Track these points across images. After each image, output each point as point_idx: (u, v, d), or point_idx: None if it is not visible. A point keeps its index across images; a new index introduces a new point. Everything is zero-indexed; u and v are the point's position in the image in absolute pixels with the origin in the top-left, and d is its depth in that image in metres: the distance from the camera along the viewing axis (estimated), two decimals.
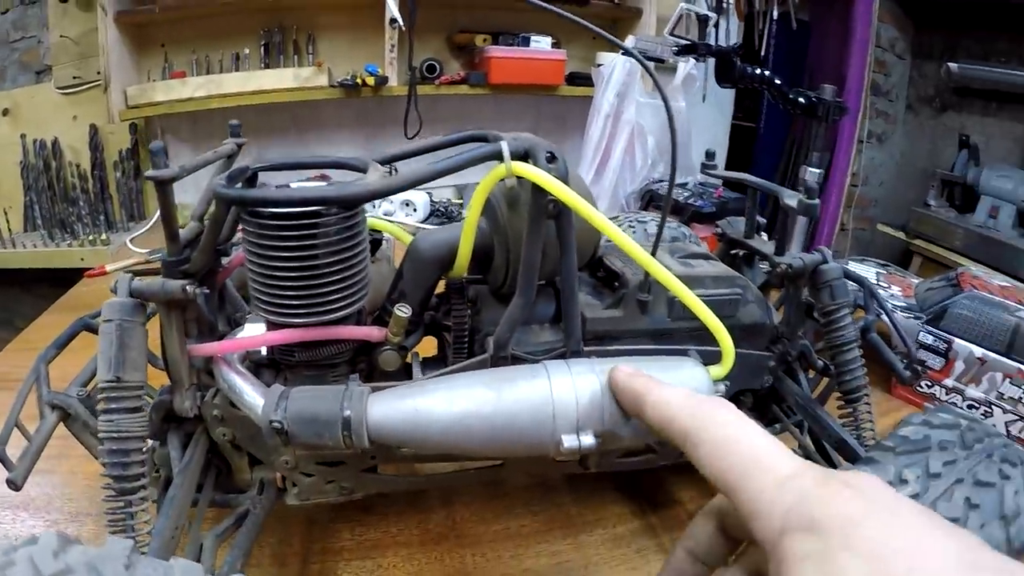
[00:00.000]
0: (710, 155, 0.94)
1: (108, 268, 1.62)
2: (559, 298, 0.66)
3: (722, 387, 0.63)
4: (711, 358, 0.65)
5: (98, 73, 1.89)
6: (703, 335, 0.66)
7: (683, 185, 2.03)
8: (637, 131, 1.91)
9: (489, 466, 0.75)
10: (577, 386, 0.55)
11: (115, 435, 0.54)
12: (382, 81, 1.95)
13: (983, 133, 2.79)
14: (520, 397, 0.53)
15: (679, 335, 0.70)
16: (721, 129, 2.72)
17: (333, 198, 0.51)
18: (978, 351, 1.04)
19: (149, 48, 1.99)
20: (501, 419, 0.52)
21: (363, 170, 0.57)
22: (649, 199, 1.89)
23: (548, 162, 0.55)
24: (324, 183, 0.60)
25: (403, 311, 0.59)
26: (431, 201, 2.02)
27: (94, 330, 0.73)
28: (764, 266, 0.87)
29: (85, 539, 0.75)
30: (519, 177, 0.55)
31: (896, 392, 1.16)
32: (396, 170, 0.55)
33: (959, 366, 1.06)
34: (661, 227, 0.65)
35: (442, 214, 2.02)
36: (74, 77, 1.99)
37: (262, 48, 2.02)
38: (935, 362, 1.10)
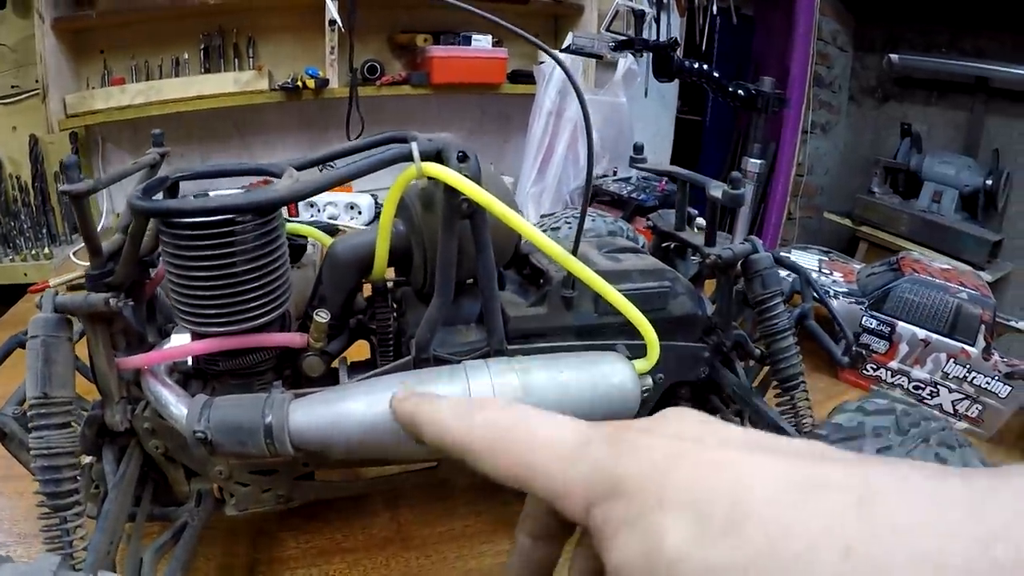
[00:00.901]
0: (638, 148, 0.95)
1: (52, 283, 1.59)
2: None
3: (649, 380, 0.66)
4: (640, 352, 0.67)
5: (36, 81, 1.85)
6: (632, 330, 0.67)
7: (626, 180, 2.06)
8: (579, 127, 1.92)
9: (425, 467, 0.75)
10: (495, 385, 0.56)
11: (46, 452, 0.54)
12: (323, 83, 1.94)
13: (925, 122, 2.87)
14: None
15: (607, 331, 0.71)
16: (665, 123, 2.76)
17: (242, 206, 0.52)
18: (921, 333, 1.06)
19: (88, 55, 1.95)
20: None
21: (278, 176, 0.58)
22: (593, 194, 1.91)
23: (459, 161, 0.56)
24: (242, 190, 0.60)
25: (322, 316, 0.60)
26: (376, 203, 2.01)
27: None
28: (696, 258, 0.87)
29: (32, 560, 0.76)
30: (431, 178, 0.56)
31: (843, 377, 1.18)
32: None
33: (903, 348, 1.09)
34: (581, 222, 0.66)
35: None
36: (12, 86, 1.94)
37: (202, 52, 2.00)
38: (879, 345, 1.12)
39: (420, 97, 2.15)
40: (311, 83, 1.92)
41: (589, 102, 1.70)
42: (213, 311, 0.56)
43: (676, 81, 2.63)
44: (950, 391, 1.06)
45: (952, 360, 1.04)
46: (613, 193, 2.00)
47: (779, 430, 0.71)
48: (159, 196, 0.59)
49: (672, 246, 0.92)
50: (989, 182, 2.41)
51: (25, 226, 1.88)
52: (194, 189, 0.61)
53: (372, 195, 2.01)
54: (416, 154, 0.55)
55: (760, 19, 3.28)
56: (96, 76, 1.96)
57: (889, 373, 1.11)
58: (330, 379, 0.66)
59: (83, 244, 1.55)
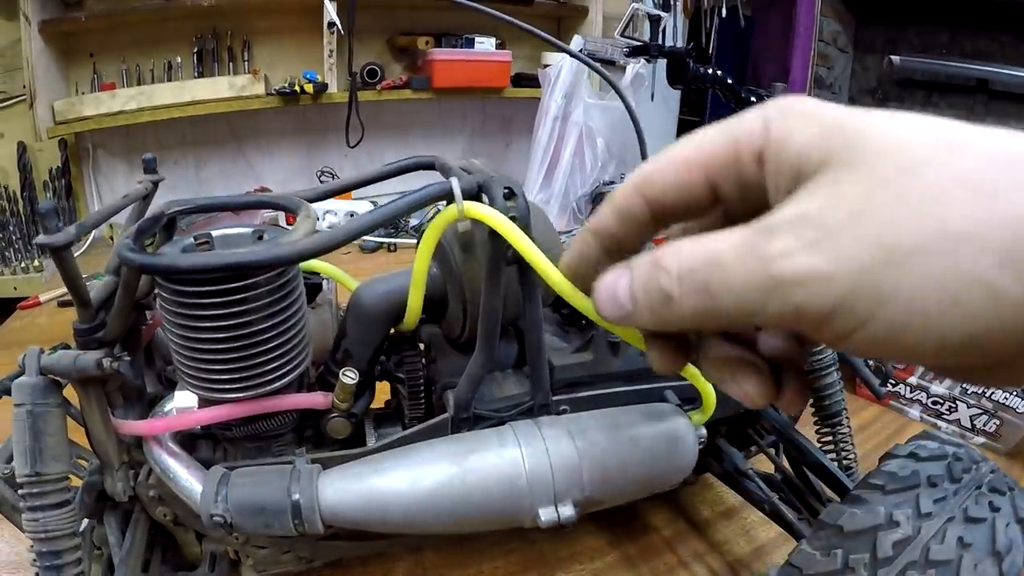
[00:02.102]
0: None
1: (42, 298, 1.52)
2: (521, 339, 0.61)
3: (704, 431, 0.60)
4: (687, 392, 0.62)
5: (24, 87, 1.78)
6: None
7: None
8: (586, 133, 1.87)
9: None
10: (551, 453, 0.51)
11: (43, 535, 0.48)
12: (321, 88, 1.88)
13: None
14: (489, 471, 0.49)
15: (652, 374, 0.65)
16: (669, 126, 2.72)
17: (259, 262, 0.44)
18: None
19: (77, 59, 1.88)
20: (470, 497, 0.48)
21: (293, 211, 0.51)
22: (600, 202, 1.86)
23: (506, 199, 0.49)
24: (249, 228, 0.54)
25: (349, 377, 0.53)
26: None
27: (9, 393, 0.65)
28: None
29: None
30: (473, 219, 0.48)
31: (860, 391, 1.15)
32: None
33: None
34: None
35: (388, 225, 1.94)
36: None
37: (195, 56, 1.93)
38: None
39: (421, 101, 2.10)
40: (309, 87, 1.86)
41: (595, 108, 1.65)
42: (226, 376, 0.49)
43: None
44: (968, 406, 1.04)
45: None
46: None
47: (821, 467, 0.68)
48: (155, 237, 0.53)
49: None
50: None
51: (14, 237, 1.81)
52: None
53: (372, 202, 1.95)
54: (458, 193, 0.47)
55: (758, 20, 3.24)
56: (86, 81, 1.89)
57: (908, 389, 1.10)
58: (355, 437, 0.60)
59: (75, 256, 1.47)
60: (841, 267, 0.22)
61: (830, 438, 0.74)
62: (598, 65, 0.58)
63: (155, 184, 0.62)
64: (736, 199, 0.29)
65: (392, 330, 0.60)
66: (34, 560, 0.49)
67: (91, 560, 0.59)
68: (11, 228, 1.82)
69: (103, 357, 0.49)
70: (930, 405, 1.07)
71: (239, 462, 0.53)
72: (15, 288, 1.72)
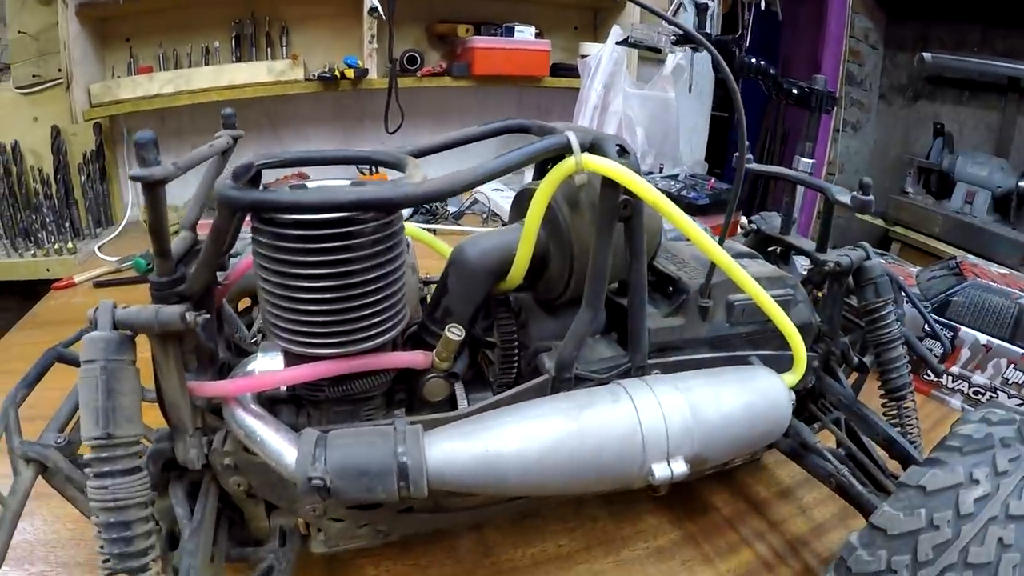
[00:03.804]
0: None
1: (77, 279, 1.51)
2: (611, 306, 0.59)
3: (793, 395, 0.60)
4: (768, 361, 0.63)
5: (59, 71, 1.75)
6: (759, 340, 0.65)
7: (674, 177, 1.99)
8: (625, 122, 1.84)
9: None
10: (664, 409, 0.50)
11: (111, 505, 0.44)
12: (362, 73, 1.85)
13: (956, 121, 2.81)
14: (604, 427, 0.48)
15: (736, 341, 0.66)
16: (702, 119, 2.69)
17: (381, 201, 0.41)
18: (983, 338, 1.05)
19: (113, 42, 1.85)
20: (586, 454, 0.47)
21: (397, 166, 0.48)
22: None
23: (619, 155, 0.48)
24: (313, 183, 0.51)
25: (455, 333, 0.50)
26: None
27: (68, 361, 0.63)
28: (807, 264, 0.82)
29: None
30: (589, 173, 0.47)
31: None
32: None
33: (965, 353, 1.07)
34: (724, 230, 0.61)
35: (427, 210, 1.92)
36: (34, 76, 1.84)
37: (233, 40, 1.90)
38: (940, 351, 1.09)
39: (459, 89, 2.06)
40: (350, 73, 1.82)
41: (634, 97, 1.62)
42: (326, 329, 0.46)
43: (711, 77, 2.58)
44: (1009, 396, 1.04)
45: (1013, 366, 1.03)
46: (662, 191, 1.90)
47: (891, 441, 0.68)
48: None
49: (777, 250, 0.87)
50: (1022, 184, 2.37)
51: (47, 219, 1.79)
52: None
53: None
54: (576, 146, 0.47)
55: (788, 14, 3.22)
56: (122, 65, 1.86)
57: (950, 379, 1.09)
58: (446, 401, 0.57)
59: (107, 238, 1.44)
60: None
61: (895, 412, 0.74)
62: (712, 48, 0.56)
63: (235, 139, 0.59)
64: None
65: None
66: (98, 532, 0.45)
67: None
68: (44, 211, 1.80)
69: (187, 311, 0.45)
70: (971, 395, 1.08)
71: (327, 427, 0.49)
72: (48, 270, 1.70)
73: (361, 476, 0.42)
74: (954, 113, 2.85)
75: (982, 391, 1.06)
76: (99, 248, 1.71)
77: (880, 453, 0.72)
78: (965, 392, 1.08)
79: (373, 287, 0.46)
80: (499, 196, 1.88)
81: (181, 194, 1.74)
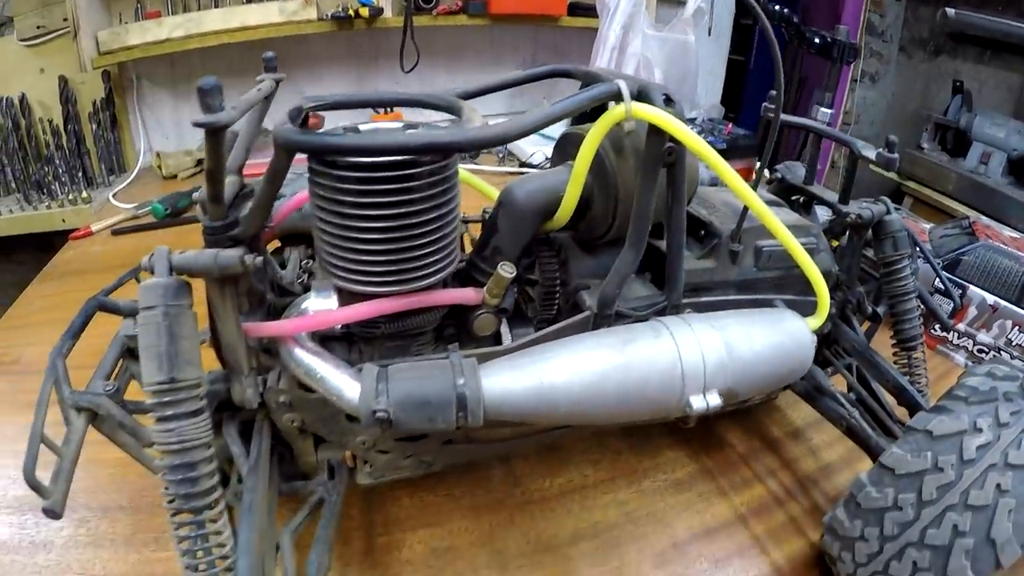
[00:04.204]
0: (771, 98, 0.90)
1: (94, 228, 1.52)
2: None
3: (815, 337, 0.62)
4: (791, 306, 0.65)
5: (64, 20, 1.73)
6: (783, 284, 0.67)
7: (691, 121, 1.97)
8: (643, 64, 1.81)
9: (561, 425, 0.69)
10: (702, 344, 0.52)
11: (177, 446, 0.45)
12: (376, 12, 1.81)
13: (976, 80, 2.75)
14: (648, 359, 0.50)
15: (762, 285, 0.68)
16: (719, 62, 2.64)
17: (449, 143, 0.43)
18: (991, 298, 1.06)
19: None
20: (632, 385, 0.49)
21: (451, 110, 0.49)
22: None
23: (665, 104, 0.50)
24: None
25: (507, 271, 0.52)
26: None
27: (109, 309, 0.63)
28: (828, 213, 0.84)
29: (119, 536, 0.71)
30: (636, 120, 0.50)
31: None
32: None
33: (972, 312, 1.09)
34: (759, 174, 0.63)
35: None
36: (38, 27, 1.80)
37: None
38: (949, 307, 1.11)
39: (473, 29, 2.03)
40: (364, 12, 1.79)
41: (653, 39, 1.60)
42: (385, 268, 0.47)
43: (730, 20, 2.54)
44: (1011, 357, 1.05)
45: (1017, 328, 1.05)
46: None
47: (901, 389, 0.71)
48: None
49: (800, 200, 0.88)
50: None
51: (60, 170, 1.79)
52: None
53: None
54: (627, 94, 0.49)
55: None
56: (129, 10, 1.82)
57: (956, 335, 1.11)
58: (491, 338, 0.59)
59: (121, 185, 1.44)
60: None
61: (905, 362, 0.77)
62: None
63: (277, 82, 0.59)
64: None
65: None
66: (163, 474, 0.46)
67: None
68: (56, 162, 1.79)
69: (245, 254, 0.46)
70: (975, 352, 1.09)
71: (383, 362, 0.51)
72: (63, 220, 1.70)
73: (422, 407, 0.44)
74: (974, 71, 2.80)
75: (986, 350, 1.08)
76: (113, 196, 1.71)
77: (888, 399, 0.74)
78: (969, 349, 1.10)
79: (431, 227, 0.48)
80: None
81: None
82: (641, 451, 0.84)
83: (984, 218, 1.41)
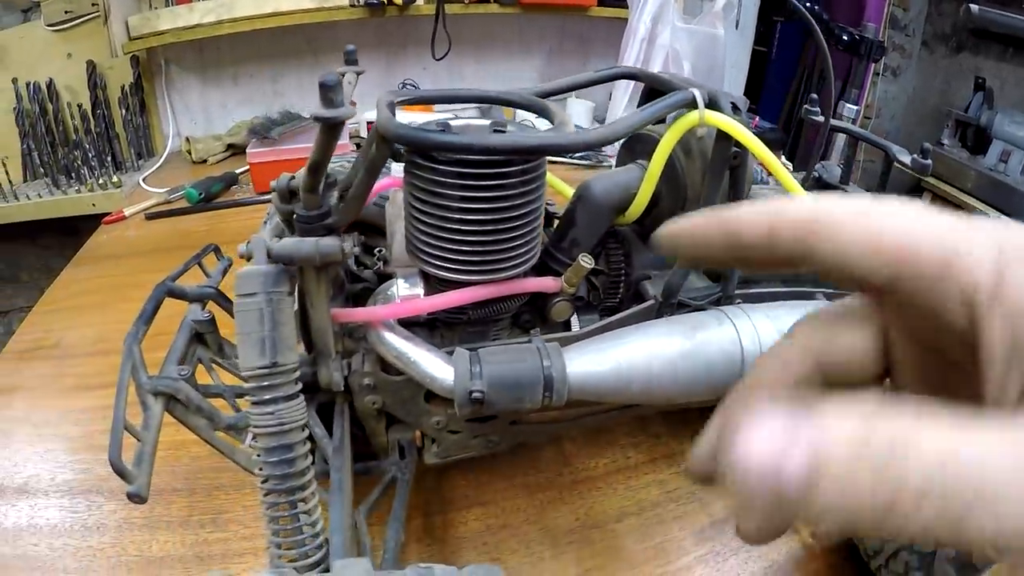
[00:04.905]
0: (813, 101, 0.94)
1: (127, 212, 1.54)
2: None
3: None
4: (829, 300, 0.68)
5: (93, 5, 1.75)
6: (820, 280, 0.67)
7: None
8: (672, 56, 1.82)
9: (629, 404, 0.72)
10: (760, 332, 0.55)
11: (276, 428, 0.47)
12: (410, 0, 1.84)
13: (998, 77, 2.75)
14: (712, 344, 0.54)
15: (805, 279, 0.72)
16: (743, 55, 2.65)
17: (556, 146, 0.47)
18: None
19: None
20: (700, 369, 0.52)
21: (542, 112, 0.53)
22: None
23: (734, 112, 0.55)
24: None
25: (587, 261, 0.55)
26: None
27: (176, 295, 0.65)
28: None
29: (175, 518, 0.73)
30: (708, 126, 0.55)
31: None
32: None
33: None
34: (808, 175, 0.72)
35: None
36: (66, 12, 1.81)
37: None
38: None
39: (501, 17, 2.04)
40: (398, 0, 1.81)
41: (682, 32, 1.61)
42: (478, 258, 0.51)
43: (755, 12, 2.54)
44: None
45: None
46: None
47: None
48: None
49: None
50: None
51: (89, 155, 1.80)
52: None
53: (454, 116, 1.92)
54: (702, 103, 0.54)
55: None
56: None
57: None
58: (562, 325, 0.63)
59: (150, 170, 1.45)
60: None
61: None
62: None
63: (357, 75, 0.62)
64: (910, 358, 0.22)
65: None
66: (259, 455, 0.48)
67: None
68: (85, 146, 1.81)
69: (345, 242, 0.49)
70: None
71: (467, 346, 0.54)
72: (93, 204, 1.71)
73: (513, 388, 0.48)
74: (996, 69, 2.80)
75: None
76: (143, 180, 1.74)
77: None
78: None
79: (522, 220, 0.51)
80: None
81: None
82: (680, 435, 0.87)
83: (992, 213, 1.43)
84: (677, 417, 0.89)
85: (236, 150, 1.85)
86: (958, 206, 2.34)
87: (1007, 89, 2.74)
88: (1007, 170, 2.38)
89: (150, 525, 0.72)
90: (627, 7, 1.86)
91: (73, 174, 1.78)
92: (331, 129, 0.43)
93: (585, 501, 0.77)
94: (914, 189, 2.75)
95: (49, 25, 1.82)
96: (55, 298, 1.21)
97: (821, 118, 0.87)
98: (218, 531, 0.72)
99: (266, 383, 0.47)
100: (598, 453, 0.84)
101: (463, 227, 0.49)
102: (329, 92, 0.41)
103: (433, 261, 0.52)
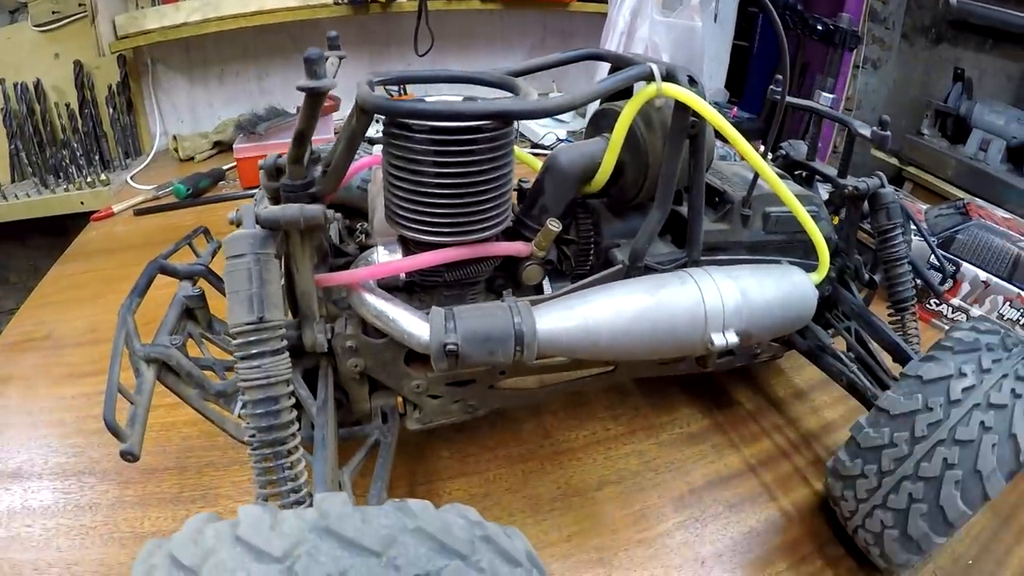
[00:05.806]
0: (777, 81, 0.96)
1: (115, 209, 1.56)
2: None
3: (817, 293, 0.70)
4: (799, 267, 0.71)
5: (80, 5, 1.77)
6: (787, 248, 0.74)
7: None
8: (651, 49, 1.86)
9: (604, 372, 0.76)
10: (721, 290, 0.59)
11: (262, 382, 0.49)
12: None
13: (977, 68, 2.78)
14: (676, 301, 0.57)
15: (769, 247, 0.75)
16: (724, 48, 2.69)
17: (519, 112, 0.50)
18: (983, 275, 1.13)
19: None
20: (662, 323, 0.56)
21: (506, 87, 0.56)
22: None
23: (690, 84, 0.58)
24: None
25: (555, 225, 0.58)
26: None
27: (168, 272, 0.67)
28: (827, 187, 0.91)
29: (166, 495, 0.75)
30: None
31: None
32: None
33: (965, 287, 1.15)
34: (769, 144, 0.74)
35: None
36: (53, 12, 1.83)
37: None
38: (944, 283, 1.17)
39: (486, 12, 2.08)
40: None
41: (661, 25, 1.65)
42: (450, 220, 0.54)
43: (735, 6, 2.59)
44: None
45: (1008, 303, 1.12)
46: None
47: (895, 346, 0.77)
48: None
49: (803, 174, 0.95)
50: None
51: (77, 154, 1.81)
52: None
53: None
54: (658, 75, 0.57)
55: None
56: None
57: (950, 309, 1.17)
58: (533, 289, 0.66)
59: (138, 168, 1.47)
60: None
61: (899, 321, 0.83)
62: None
63: (340, 59, 0.65)
64: None
65: None
66: (247, 408, 0.50)
67: None
68: (73, 145, 1.82)
69: (328, 208, 0.52)
70: None
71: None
72: (82, 203, 1.73)
73: (485, 342, 0.51)
74: (975, 60, 2.83)
75: None
76: (131, 178, 1.76)
77: (884, 358, 0.80)
78: None
79: (492, 185, 0.54)
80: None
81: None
82: (659, 406, 0.91)
83: (978, 200, 1.47)
84: (655, 389, 0.94)
85: (223, 147, 1.87)
86: (938, 194, 2.37)
87: (985, 80, 2.77)
88: (986, 158, 2.42)
89: (142, 503, 0.74)
90: (607, 2, 1.90)
91: (61, 173, 1.80)
92: (314, 98, 0.46)
93: (566, 471, 0.80)
94: (896, 178, 2.79)
95: (36, 26, 1.84)
96: (45, 293, 1.23)
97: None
98: (208, 506, 0.74)
99: (253, 338, 0.49)
100: (578, 425, 0.87)
101: (437, 191, 0.52)
102: (313, 65, 0.45)
103: (410, 225, 0.55)
